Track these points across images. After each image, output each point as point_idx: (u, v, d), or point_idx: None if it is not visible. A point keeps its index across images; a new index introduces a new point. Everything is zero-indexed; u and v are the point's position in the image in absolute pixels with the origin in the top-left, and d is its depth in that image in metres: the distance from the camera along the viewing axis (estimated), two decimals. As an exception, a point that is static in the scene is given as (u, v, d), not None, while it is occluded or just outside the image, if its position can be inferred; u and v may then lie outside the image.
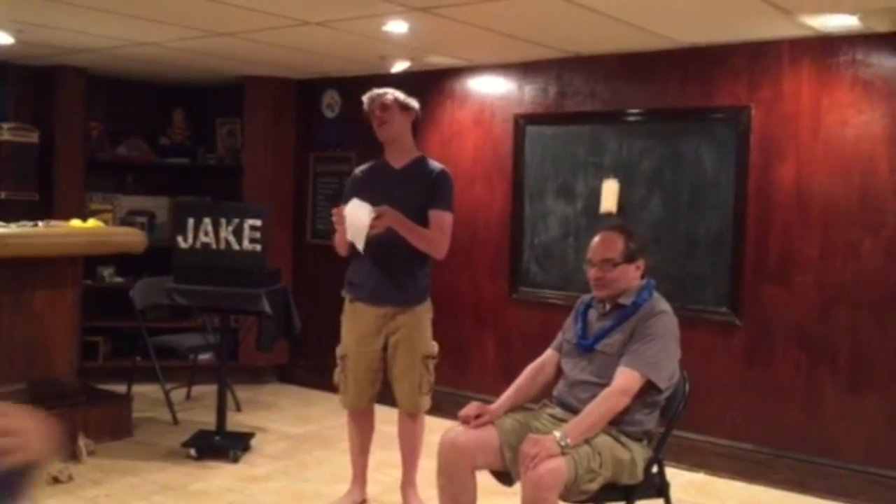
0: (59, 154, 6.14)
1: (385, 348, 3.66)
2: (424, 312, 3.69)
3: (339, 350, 3.75)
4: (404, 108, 3.66)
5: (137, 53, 5.42)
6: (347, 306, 3.75)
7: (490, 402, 3.06)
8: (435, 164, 3.70)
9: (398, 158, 3.67)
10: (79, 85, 6.20)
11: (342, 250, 3.64)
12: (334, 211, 3.47)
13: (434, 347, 3.70)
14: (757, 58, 4.45)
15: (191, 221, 4.61)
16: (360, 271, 3.68)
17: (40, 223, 4.64)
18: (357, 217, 3.39)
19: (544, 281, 5.23)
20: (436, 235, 3.55)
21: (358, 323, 3.68)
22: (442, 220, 3.57)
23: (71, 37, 5.02)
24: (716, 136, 4.59)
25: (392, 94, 3.66)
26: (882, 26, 3.95)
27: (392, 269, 3.60)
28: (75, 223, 4.77)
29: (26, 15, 4.46)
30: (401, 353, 3.63)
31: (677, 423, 3.01)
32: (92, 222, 4.85)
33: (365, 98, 3.70)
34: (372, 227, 3.38)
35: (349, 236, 3.42)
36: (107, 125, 6.57)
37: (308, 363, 6.27)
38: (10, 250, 4.24)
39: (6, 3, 4.22)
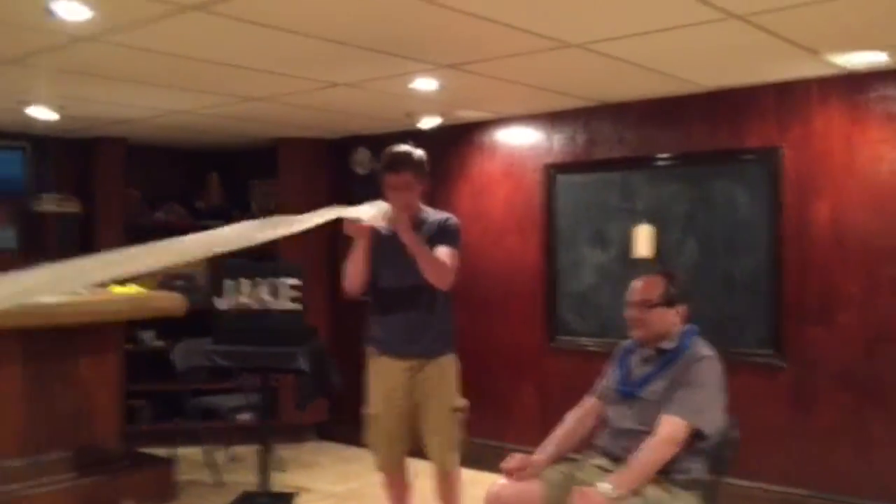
0: (100, 222, 6.30)
1: (413, 404, 3.63)
2: (450, 364, 3.66)
3: (367, 409, 3.71)
4: (423, 177, 3.59)
5: (173, 121, 5.57)
6: (372, 362, 3.71)
7: (531, 453, 3.03)
8: (441, 213, 3.69)
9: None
10: (118, 154, 6.38)
11: (354, 281, 3.58)
12: (349, 227, 3.47)
13: (462, 401, 3.65)
14: (785, 98, 4.45)
15: (229, 283, 4.67)
16: (382, 325, 3.66)
17: (83, 291, 4.72)
18: (377, 205, 3.46)
19: (581, 328, 5.20)
20: (442, 261, 3.50)
21: (384, 379, 3.65)
22: (447, 252, 3.53)
23: (110, 109, 5.17)
24: (748, 177, 4.57)
25: (413, 168, 3.54)
26: (910, 61, 3.94)
27: (415, 319, 3.58)
28: (117, 289, 4.86)
29: (68, 90, 4.62)
30: (429, 407, 3.59)
31: (727, 471, 2.95)
32: (133, 288, 4.94)
33: (382, 165, 3.58)
34: (390, 220, 3.42)
35: (365, 217, 3.42)
36: (145, 191, 6.73)
37: (347, 420, 6.22)
38: (58, 319, 4.33)
39: (50, 81, 4.38)
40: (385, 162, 3.57)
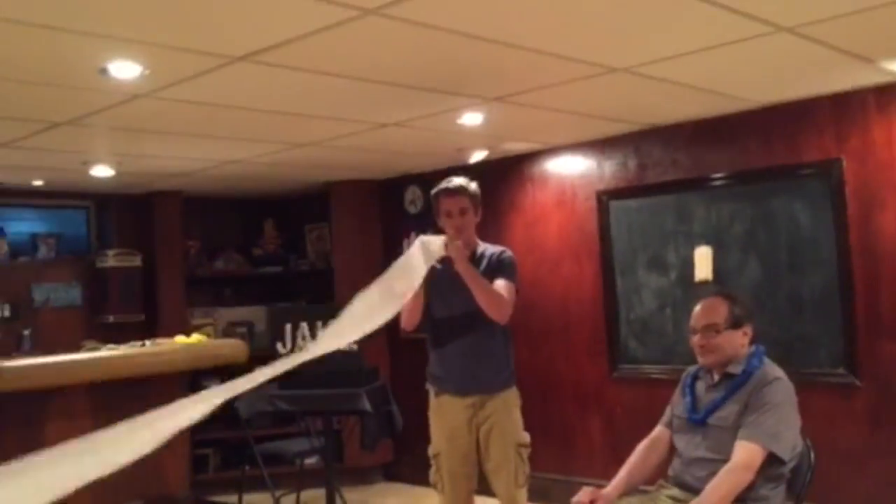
0: (160, 274, 6.43)
1: (477, 441, 3.56)
2: (513, 398, 3.59)
3: (430, 449, 3.65)
4: (477, 206, 3.60)
5: (226, 171, 5.68)
6: (433, 401, 3.66)
7: (600, 486, 2.95)
8: (496, 247, 3.65)
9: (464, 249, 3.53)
10: (175, 207, 6.52)
11: (411, 315, 3.51)
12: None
13: (526, 436, 3.57)
14: (842, 108, 4.35)
15: (288, 327, 4.71)
16: (441, 362, 3.61)
17: (147, 342, 4.81)
18: (431, 241, 3.31)
19: (645, 356, 5.09)
20: (499, 294, 3.44)
21: (446, 417, 3.60)
22: (504, 285, 3.48)
23: (165, 163, 5.30)
24: (807, 191, 4.46)
25: (469, 193, 3.55)
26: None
27: (475, 355, 3.53)
28: (180, 339, 4.93)
29: (124, 147, 4.75)
30: (493, 444, 3.52)
31: (806, 496, 2.83)
32: (195, 337, 5.00)
33: (436, 191, 3.59)
34: (445, 253, 3.29)
35: (420, 262, 3.25)
36: (203, 242, 6.86)
37: (413, 459, 6.19)
38: (122, 371, 4.40)
39: (106, 138, 4.51)
40: (441, 188, 3.58)
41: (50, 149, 4.56)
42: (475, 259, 3.56)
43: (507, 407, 3.56)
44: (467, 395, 3.54)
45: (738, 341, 2.90)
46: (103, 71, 3.14)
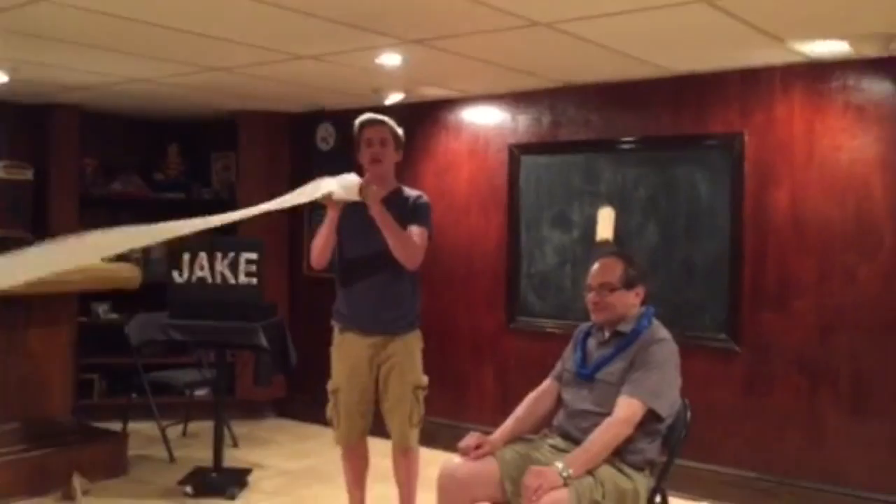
0: (53, 191, 6.15)
1: (376, 380, 3.62)
2: (415, 341, 3.65)
3: (330, 384, 3.69)
4: (398, 144, 3.63)
5: (131, 90, 5.44)
6: (337, 337, 3.69)
7: (489, 433, 3.03)
8: (413, 191, 3.68)
9: (378, 189, 3.56)
10: (72, 122, 6.22)
11: (322, 254, 3.56)
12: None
13: (424, 379, 3.65)
14: (749, 84, 4.48)
15: (186, 256, 4.59)
16: (348, 301, 3.64)
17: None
18: (347, 179, 3.39)
19: (542, 310, 5.21)
20: (411, 240, 3.48)
21: (348, 354, 3.63)
22: (417, 232, 3.52)
23: (65, 74, 5.03)
24: (709, 162, 4.60)
25: (390, 126, 3.61)
26: (872, 51, 3.98)
27: (381, 297, 3.56)
28: (70, 260, 4.74)
29: (21, 53, 4.48)
30: (391, 383, 3.58)
31: (679, 452, 2.97)
32: (87, 259, 4.83)
33: (359, 121, 3.61)
34: (359, 197, 3.36)
35: (336, 196, 3.37)
36: (101, 161, 6.58)
37: (306, 397, 6.21)
38: (3, 289, 4.21)
39: (1, 41, 4.24)
40: (365, 117, 3.61)
41: (-62, 47, 4.28)
42: (393, 199, 3.56)
43: (409, 349, 3.61)
44: (371, 335, 3.57)
45: (630, 301, 3.00)
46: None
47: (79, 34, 4.02)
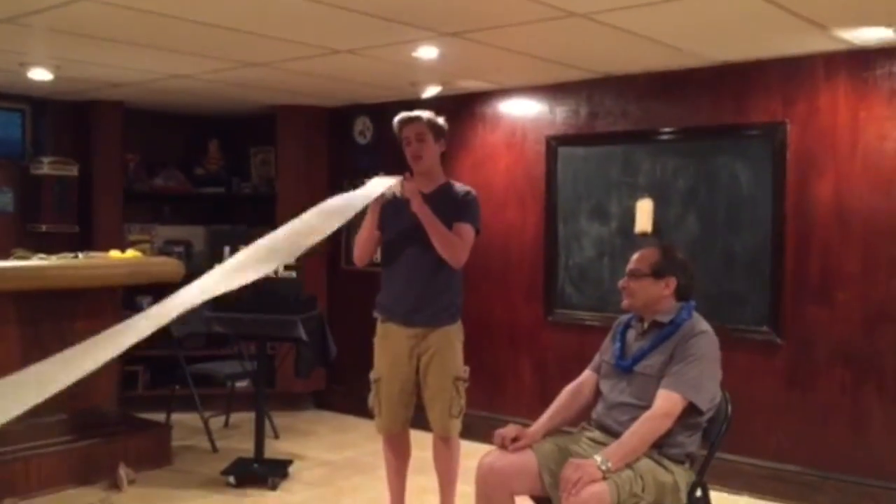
0: (97, 186, 6.26)
1: (417, 370, 3.64)
2: (455, 333, 3.67)
3: (372, 374, 3.74)
4: (438, 135, 3.64)
5: (172, 86, 5.52)
6: (379, 328, 3.73)
7: (527, 426, 3.03)
8: (462, 186, 3.70)
9: (426, 184, 3.61)
10: (115, 118, 6.32)
11: (364, 249, 3.64)
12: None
13: (465, 370, 3.67)
14: (791, 73, 4.40)
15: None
16: (391, 292, 3.67)
17: (80, 255, 4.71)
18: (384, 181, 3.45)
19: (580, 302, 5.19)
20: (455, 239, 3.52)
21: (390, 345, 3.67)
22: (463, 229, 3.55)
23: (107, 71, 5.12)
24: (751, 152, 4.54)
25: (427, 120, 3.61)
26: (919, 38, 3.89)
27: (423, 289, 3.58)
28: (114, 254, 4.84)
29: (64, 51, 4.57)
30: (432, 375, 3.61)
31: (720, 446, 2.94)
32: (130, 253, 4.92)
33: (397, 121, 3.65)
34: (399, 194, 3.44)
35: (386, 193, 3.43)
36: (143, 157, 6.68)
37: (344, 389, 6.26)
38: (54, 282, 4.31)
39: (45, 41, 4.33)
40: (398, 119, 3.64)
41: (-14, 47, 4.38)
42: (440, 195, 3.59)
43: (449, 340, 3.63)
44: (412, 327, 3.61)
45: (656, 291, 2.95)
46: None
47: (119, 31, 4.09)
